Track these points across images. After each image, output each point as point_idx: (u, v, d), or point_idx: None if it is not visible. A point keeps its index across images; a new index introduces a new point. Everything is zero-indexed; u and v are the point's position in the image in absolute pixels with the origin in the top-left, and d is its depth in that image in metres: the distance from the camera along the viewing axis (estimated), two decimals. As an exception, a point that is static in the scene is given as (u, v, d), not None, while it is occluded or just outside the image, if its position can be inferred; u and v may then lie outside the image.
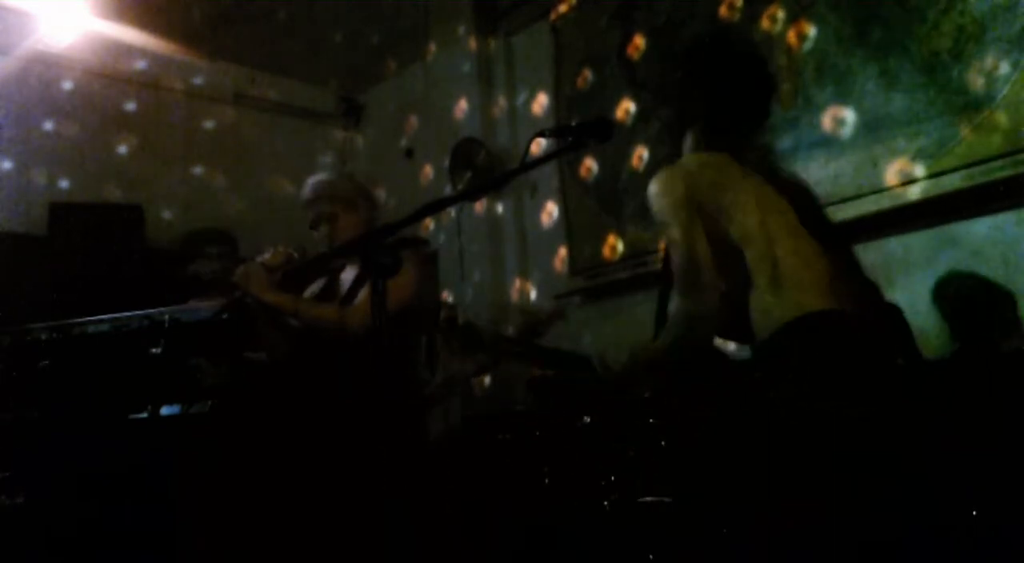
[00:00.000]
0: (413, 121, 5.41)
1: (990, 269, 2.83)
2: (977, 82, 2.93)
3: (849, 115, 3.30)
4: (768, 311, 1.70)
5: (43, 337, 2.59)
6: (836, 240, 1.83)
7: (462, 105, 4.91)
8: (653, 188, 1.80)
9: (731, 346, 1.83)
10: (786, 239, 1.73)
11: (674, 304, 1.76)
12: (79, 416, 2.47)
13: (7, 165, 4.36)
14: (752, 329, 1.76)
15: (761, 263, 1.70)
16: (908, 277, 3.06)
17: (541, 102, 4.67)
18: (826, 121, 3.37)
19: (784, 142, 3.48)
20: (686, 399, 1.95)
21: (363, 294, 2.37)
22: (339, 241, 2.51)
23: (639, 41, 4.15)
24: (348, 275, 2.52)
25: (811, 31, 3.43)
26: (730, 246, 1.73)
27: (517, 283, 4.64)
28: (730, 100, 1.87)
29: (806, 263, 1.73)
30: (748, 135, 1.91)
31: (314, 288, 2.61)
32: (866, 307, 1.75)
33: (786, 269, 1.70)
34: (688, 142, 1.92)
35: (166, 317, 2.47)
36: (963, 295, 2.75)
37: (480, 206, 4.74)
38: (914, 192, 3.08)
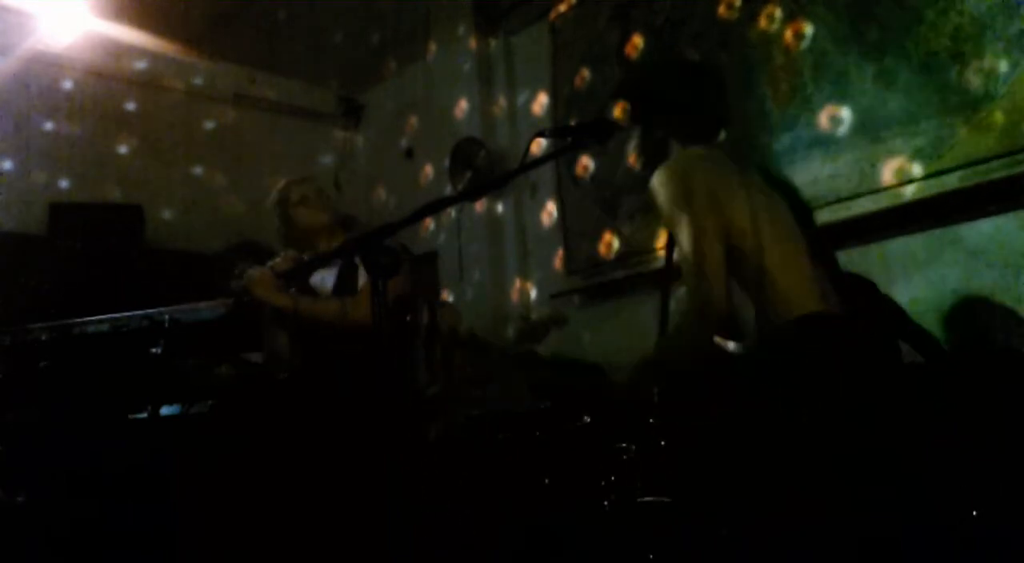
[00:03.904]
0: (413, 121, 5.41)
1: (990, 269, 2.84)
2: (975, 82, 2.93)
3: (846, 114, 3.30)
4: (760, 312, 1.70)
5: (43, 337, 2.59)
6: (824, 242, 1.84)
7: (462, 105, 4.92)
8: (659, 179, 1.77)
9: (730, 345, 1.83)
10: (775, 241, 1.73)
11: (685, 294, 1.72)
12: (79, 416, 2.47)
13: (7, 165, 4.36)
14: (741, 328, 1.77)
15: (751, 263, 1.70)
16: (908, 277, 3.07)
17: (541, 102, 4.67)
18: (823, 120, 3.37)
19: (782, 141, 3.48)
20: (686, 399, 1.95)
21: (361, 286, 2.41)
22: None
23: (638, 40, 4.15)
24: (318, 279, 2.53)
25: (808, 30, 3.44)
26: (728, 240, 1.71)
27: (517, 283, 4.64)
28: (690, 112, 1.92)
29: (795, 266, 1.73)
30: (715, 137, 1.93)
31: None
32: (857, 308, 1.75)
33: (775, 271, 1.70)
34: (672, 148, 1.93)
35: (166, 317, 2.48)
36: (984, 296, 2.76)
37: (480, 206, 4.73)
38: (911, 192, 3.08)
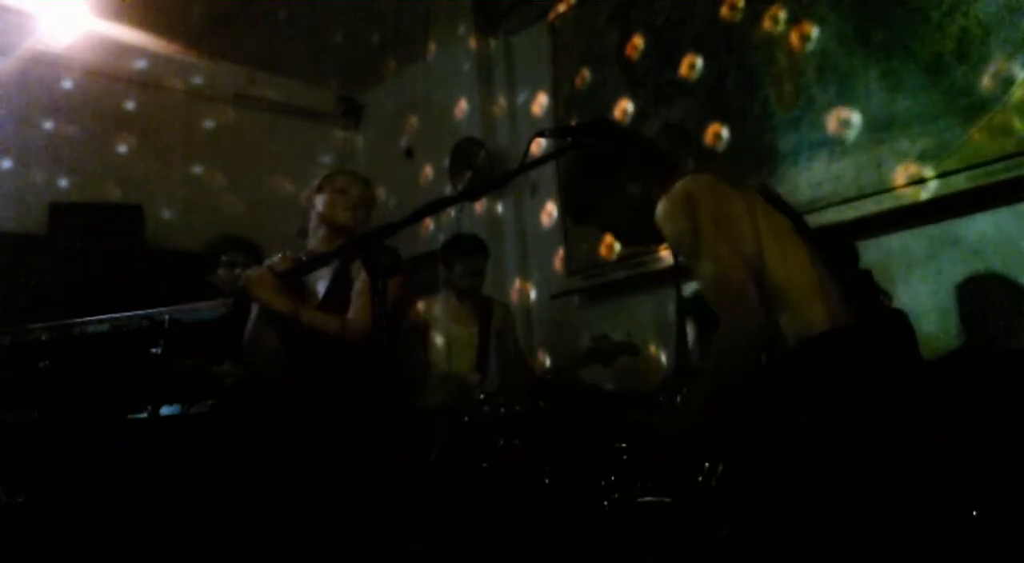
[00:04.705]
0: (413, 121, 5.41)
1: (990, 269, 2.84)
2: (982, 84, 2.92)
3: (851, 116, 3.29)
4: (773, 326, 1.70)
5: (43, 337, 2.59)
6: (825, 248, 1.84)
7: (462, 105, 4.91)
8: (663, 211, 1.78)
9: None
10: (780, 256, 1.74)
11: (720, 328, 1.73)
12: (79, 416, 2.47)
13: (7, 165, 4.36)
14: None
15: (760, 280, 1.71)
16: (908, 277, 3.07)
17: (541, 102, 4.67)
18: (828, 122, 3.36)
19: (785, 143, 3.48)
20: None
21: (360, 302, 2.38)
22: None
23: (637, 41, 4.15)
24: (311, 279, 2.51)
25: (813, 32, 3.43)
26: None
27: (517, 283, 4.64)
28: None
29: (803, 278, 1.74)
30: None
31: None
32: (865, 313, 1.75)
33: (784, 286, 1.71)
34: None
35: (166, 317, 2.47)
36: (984, 296, 2.74)
37: (480, 206, 4.73)
38: (916, 193, 3.08)
